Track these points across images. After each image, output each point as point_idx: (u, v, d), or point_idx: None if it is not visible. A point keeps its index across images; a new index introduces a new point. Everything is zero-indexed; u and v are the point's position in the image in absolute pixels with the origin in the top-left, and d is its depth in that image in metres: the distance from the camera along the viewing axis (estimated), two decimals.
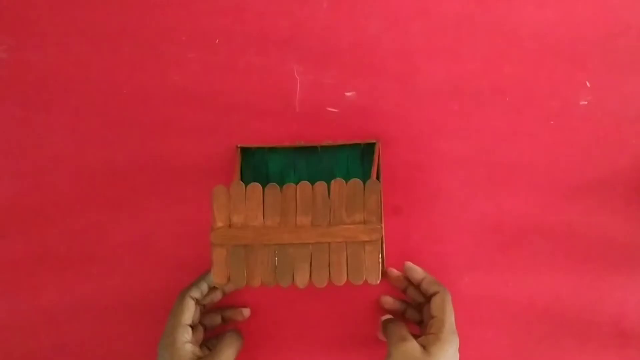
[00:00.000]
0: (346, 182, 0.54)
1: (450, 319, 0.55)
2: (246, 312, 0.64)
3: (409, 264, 0.61)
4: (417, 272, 0.60)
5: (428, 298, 0.57)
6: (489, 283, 0.65)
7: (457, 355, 0.54)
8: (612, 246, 0.65)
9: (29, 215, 0.67)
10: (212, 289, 0.62)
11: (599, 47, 0.65)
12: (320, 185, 0.54)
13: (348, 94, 0.67)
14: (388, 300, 0.62)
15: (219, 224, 0.54)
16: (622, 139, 0.65)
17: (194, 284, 0.60)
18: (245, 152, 0.65)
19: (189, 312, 0.57)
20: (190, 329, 0.57)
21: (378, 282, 0.52)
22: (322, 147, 0.64)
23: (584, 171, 0.66)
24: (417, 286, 0.60)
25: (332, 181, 0.54)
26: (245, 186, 0.54)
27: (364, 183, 0.53)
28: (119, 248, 0.67)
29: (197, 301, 0.59)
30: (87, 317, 0.67)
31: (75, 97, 0.68)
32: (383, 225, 0.54)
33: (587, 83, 0.66)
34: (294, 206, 0.54)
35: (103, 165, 0.67)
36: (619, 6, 0.65)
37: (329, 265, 0.52)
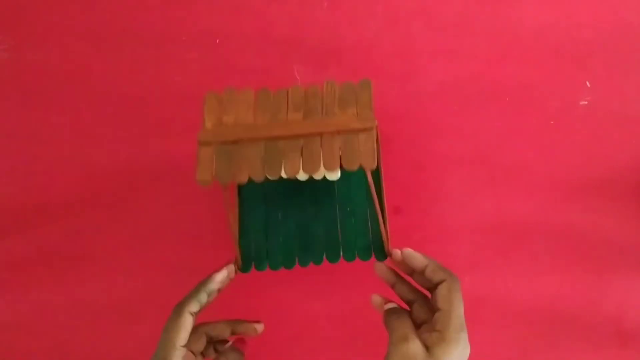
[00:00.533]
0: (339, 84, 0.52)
1: (457, 311, 0.48)
2: (259, 327, 0.56)
3: (408, 250, 0.53)
4: (418, 259, 0.52)
5: (434, 287, 0.51)
6: (489, 283, 0.65)
7: (467, 351, 0.48)
8: (612, 246, 0.65)
9: (29, 215, 0.67)
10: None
11: (599, 47, 0.65)
12: (313, 87, 0.52)
13: None
14: (377, 301, 0.55)
15: (208, 125, 0.51)
16: (622, 139, 0.66)
17: (192, 295, 0.52)
18: None
19: (186, 331, 0.50)
20: (184, 351, 0.50)
21: (374, 167, 0.49)
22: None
23: (584, 171, 0.66)
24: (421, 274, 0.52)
25: (325, 82, 0.52)
26: (238, 91, 0.53)
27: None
28: (119, 248, 0.67)
29: (196, 314, 0.53)
30: (87, 317, 0.67)
31: (76, 97, 0.68)
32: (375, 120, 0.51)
33: (587, 83, 0.66)
34: (285, 105, 0.52)
35: (103, 165, 0.67)
36: (619, 7, 0.65)
37: (321, 155, 0.49)
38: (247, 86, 0.52)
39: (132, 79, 0.67)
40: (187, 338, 0.50)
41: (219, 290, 0.55)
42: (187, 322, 0.50)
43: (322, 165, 0.49)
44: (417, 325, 0.50)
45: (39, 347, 0.67)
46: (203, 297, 0.53)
